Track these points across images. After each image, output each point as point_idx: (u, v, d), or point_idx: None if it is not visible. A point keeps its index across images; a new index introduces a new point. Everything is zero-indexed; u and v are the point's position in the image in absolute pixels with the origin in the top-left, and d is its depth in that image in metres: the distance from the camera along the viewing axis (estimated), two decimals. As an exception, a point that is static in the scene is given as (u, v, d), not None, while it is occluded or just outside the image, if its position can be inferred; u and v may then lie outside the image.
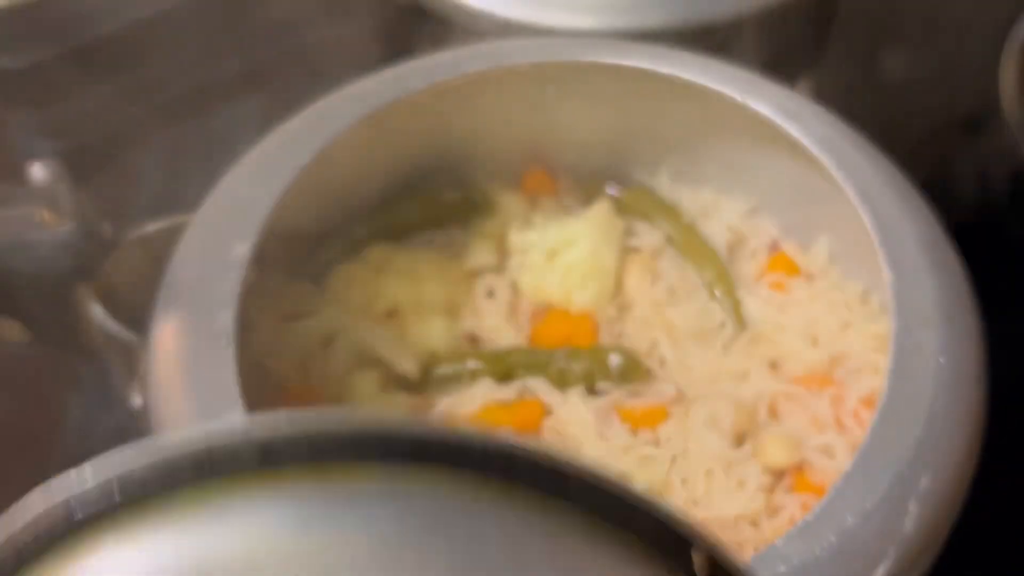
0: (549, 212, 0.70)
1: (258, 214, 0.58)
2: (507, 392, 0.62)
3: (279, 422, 0.26)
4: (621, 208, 0.71)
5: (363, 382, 0.62)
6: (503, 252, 0.68)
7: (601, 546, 0.26)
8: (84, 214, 0.56)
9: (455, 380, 0.63)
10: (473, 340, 0.65)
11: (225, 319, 0.54)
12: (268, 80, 0.82)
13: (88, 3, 0.71)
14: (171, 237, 0.61)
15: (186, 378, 0.53)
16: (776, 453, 0.59)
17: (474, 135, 0.70)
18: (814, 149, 0.60)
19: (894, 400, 0.51)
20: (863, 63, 1.05)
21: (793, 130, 0.61)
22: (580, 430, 0.60)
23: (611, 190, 0.72)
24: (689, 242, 0.69)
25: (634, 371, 0.62)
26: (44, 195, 0.54)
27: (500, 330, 0.65)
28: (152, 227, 0.61)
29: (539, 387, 0.62)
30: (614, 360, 0.62)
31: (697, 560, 0.26)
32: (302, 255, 0.68)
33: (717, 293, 0.67)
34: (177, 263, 0.58)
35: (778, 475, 0.59)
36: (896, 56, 1.06)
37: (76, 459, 0.84)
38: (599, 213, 0.67)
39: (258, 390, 0.62)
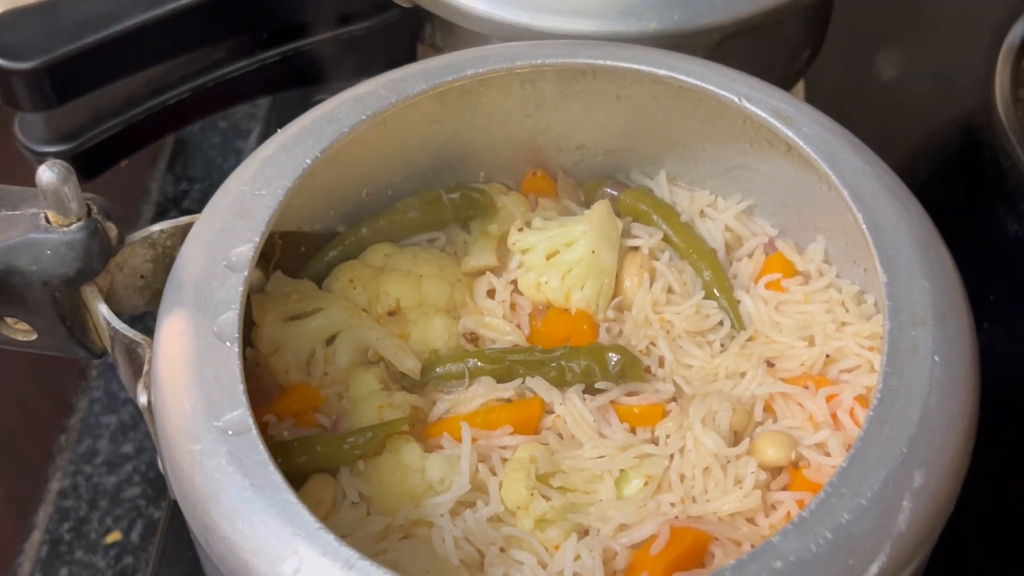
0: (549, 212, 0.71)
1: (262, 215, 0.58)
2: (507, 391, 0.62)
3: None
4: (620, 209, 0.71)
5: (365, 380, 0.63)
6: (503, 252, 0.69)
7: None
8: (90, 214, 0.57)
9: (455, 379, 0.63)
10: (473, 339, 0.66)
11: (229, 318, 0.55)
12: (273, 82, 0.82)
13: (96, 5, 0.72)
14: (176, 237, 0.61)
15: (191, 376, 0.54)
16: (772, 451, 0.59)
17: (475, 136, 0.71)
18: (810, 151, 0.61)
19: (888, 398, 0.52)
20: (858, 66, 1.06)
21: (789, 132, 0.62)
22: (579, 428, 0.61)
23: (610, 191, 0.72)
24: (687, 242, 0.69)
25: (632, 370, 0.62)
26: (51, 196, 0.55)
27: (500, 329, 0.66)
28: (157, 227, 0.61)
29: (538, 386, 0.62)
30: (613, 359, 0.62)
31: None
32: (305, 255, 0.69)
33: (715, 293, 0.67)
34: (182, 263, 0.58)
35: (774, 472, 0.60)
36: (891, 59, 1.06)
37: (83, 456, 0.85)
38: (598, 214, 0.68)
39: (261, 388, 0.63)
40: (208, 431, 0.52)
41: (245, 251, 0.57)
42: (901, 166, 0.63)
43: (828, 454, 0.59)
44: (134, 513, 0.86)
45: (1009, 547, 0.79)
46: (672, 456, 0.60)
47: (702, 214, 0.71)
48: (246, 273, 0.56)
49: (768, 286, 0.67)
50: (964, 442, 0.53)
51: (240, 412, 0.52)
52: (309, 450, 0.59)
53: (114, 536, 0.85)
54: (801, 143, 0.61)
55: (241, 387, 0.52)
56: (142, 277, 0.62)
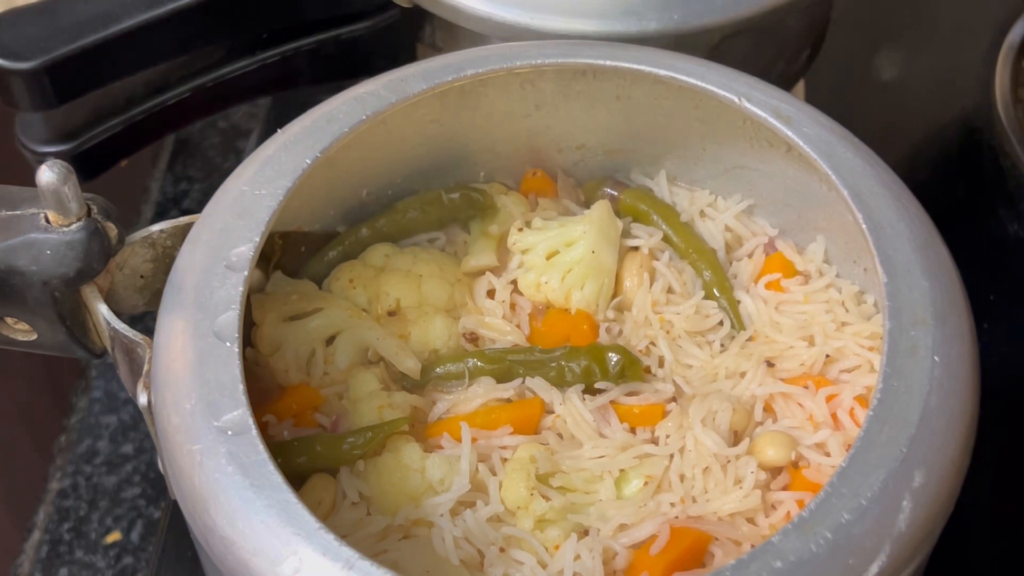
0: (549, 212, 0.71)
1: (262, 215, 0.58)
2: (507, 391, 0.62)
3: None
4: (620, 209, 0.71)
5: (365, 380, 0.63)
6: (503, 252, 0.69)
7: None
8: (90, 214, 0.57)
9: (455, 379, 0.63)
10: (473, 339, 0.66)
11: (229, 318, 0.55)
12: (273, 82, 0.83)
13: (96, 5, 0.72)
14: (176, 237, 0.61)
15: (191, 376, 0.54)
16: (772, 451, 0.59)
17: (475, 136, 0.71)
18: (810, 151, 0.61)
19: (888, 398, 0.52)
20: (858, 66, 1.06)
21: (789, 132, 0.62)
22: (579, 428, 0.61)
23: (610, 191, 0.72)
24: (687, 242, 0.69)
25: (632, 370, 0.62)
26: (51, 196, 0.55)
27: (500, 329, 0.66)
28: (157, 227, 0.61)
29: (538, 386, 0.62)
30: (613, 359, 0.62)
31: None
32: (305, 255, 0.69)
33: (715, 293, 0.67)
34: (182, 263, 0.58)
35: (774, 472, 0.60)
36: (891, 59, 1.06)
37: (83, 456, 0.85)
38: (598, 214, 0.68)
39: (261, 388, 0.63)
40: (208, 431, 0.52)
41: (245, 251, 0.57)
42: (901, 166, 0.63)
43: (828, 454, 0.59)
44: (134, 513, 0.86)
45: (1009, 547, 0.79)
46: (672, 456, 0.60)
47: (702, 214, 0.71)
48: (246, 273, 0.56)
49: (768, 286, 0.67)
50: (964, 442, 0.53)
51: (240, 412, 0.52)
52: (309, 450, 0.59)
53: (114, 536, 0.85)
54: (801, 143, 0.61)
55: (241, 387, 0.53)
56: (142, 277, 0.62)
